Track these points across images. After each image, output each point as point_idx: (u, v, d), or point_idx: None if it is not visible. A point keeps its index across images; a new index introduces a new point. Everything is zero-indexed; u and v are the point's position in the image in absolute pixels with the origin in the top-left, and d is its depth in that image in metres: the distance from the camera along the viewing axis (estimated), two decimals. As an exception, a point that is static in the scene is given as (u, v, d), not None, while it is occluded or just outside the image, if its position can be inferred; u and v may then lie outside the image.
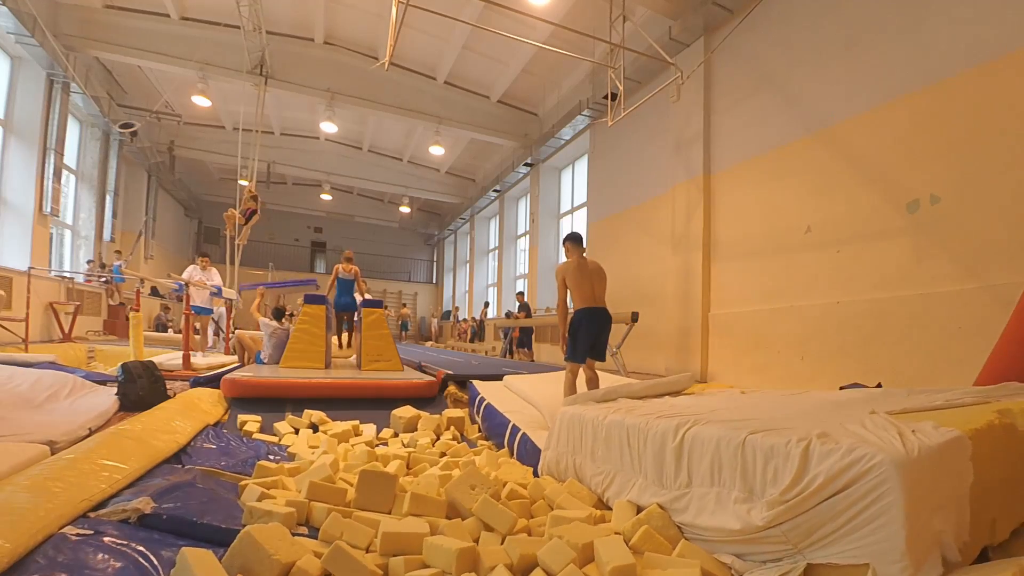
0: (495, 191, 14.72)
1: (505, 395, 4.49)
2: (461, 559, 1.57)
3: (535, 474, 3.02)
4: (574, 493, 2.40)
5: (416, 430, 3.95)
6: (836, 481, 1.48)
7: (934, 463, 1.45)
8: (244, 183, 9.13)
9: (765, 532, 1.62)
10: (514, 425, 3.63)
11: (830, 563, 1.49)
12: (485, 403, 4.21)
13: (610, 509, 2.30)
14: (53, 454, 2.40)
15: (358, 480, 2.19)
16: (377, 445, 3.56)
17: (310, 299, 6.24)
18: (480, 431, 4.21)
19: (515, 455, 3.42)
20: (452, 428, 4.16)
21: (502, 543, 1.82)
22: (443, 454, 3.40)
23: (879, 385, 4.12)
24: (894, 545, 1.35)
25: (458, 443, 3.73)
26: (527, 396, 4.26)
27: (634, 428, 2.32)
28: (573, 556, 1.61)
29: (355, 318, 7.15)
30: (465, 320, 17.07)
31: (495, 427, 3.87)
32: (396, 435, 3.92)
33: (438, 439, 3.83)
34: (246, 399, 4.34)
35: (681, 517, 1.94)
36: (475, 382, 4.92)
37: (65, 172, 9.59)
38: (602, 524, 2.12)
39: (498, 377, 5.20)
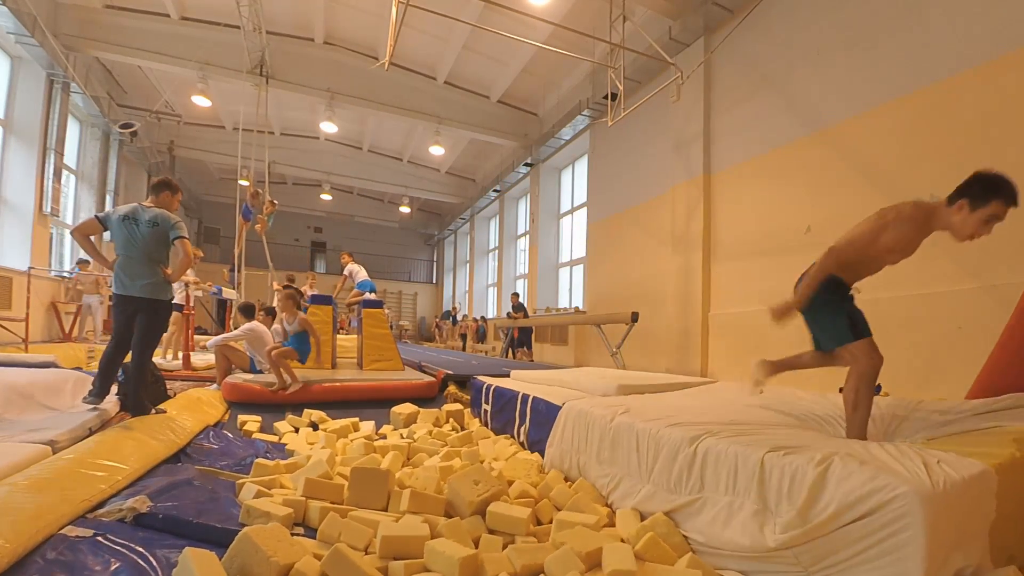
0: (495, 191, 14.72)
1: (512, 381, 4.48)
2: (464, 567, 1.56)
3: (544, 448, 3.04)
4: (583, 497, 2.37)
5: (416, 424, 3.97)
6: (855, 508, 1.43)
7: (959, 497, 1.40)
8: (244, 183, 9.13)
9: (775, 553, 1.59)
10: (524, 393, 3.63)
11: None
12: (494, 388, 4.18)
13: (614, 512, 2.28)
14: (54, 453, 2.40)
15: (351, 477, 2.19)
16: (376, 440, 3.56)
17: (316, 300, 6.27)
18: (483, 421, 4.18)
19: (528, 423, 3.45)
20: (451, 420, 4.16)
21: (504, 548, 1.81)
22: (444, 444, 3.40)
23: (878, 386, 4.10)
24: None
25: (457, 433, 3.74)
26: (539, 379, 4.24)
27: (644, 433, 2.29)
28: (580, 567, 1.60)
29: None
30: (465, 319, 17.04)
31: (504, 402, 3.87)
32: (396, 430, 3.92)
33: (437, 428, 3.85)
34: (247, 403, 4.33)
35: (690, 524, 1.91)
36: (480, 377, 4.83)
37: (65, 172, 9.58)
38: (607, 528, 2.10)
39: (500, 376, 5.17)
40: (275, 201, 8.89)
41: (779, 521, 1.61)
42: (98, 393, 3.24)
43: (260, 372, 4.84)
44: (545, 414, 3.30)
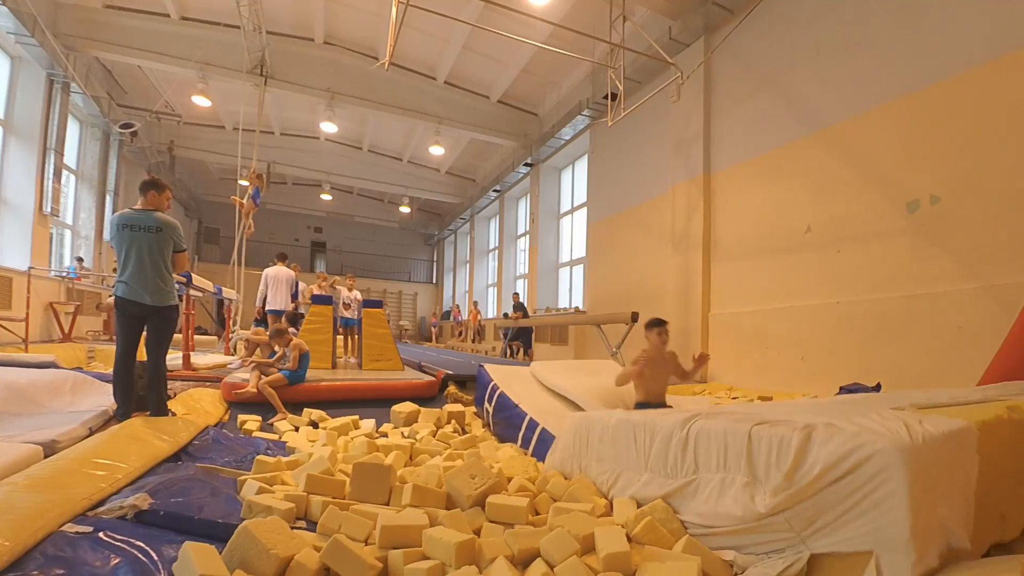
0: (495, 191, 14.73)
1: (522, 385, 4.20)
2: (460, 552, 1.57)
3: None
4: (580, 488, 2.36)
5: (416, 423, 3.96)
6: (838, 467, 1.48)
7: (938, 451, 1.45)
8: (244, 183, 9.11)
9: (768, 520, 1.62)
10: (531, 419, 3.44)
11: (833, 552, 1.49)
12: (499, 392, 3.97)
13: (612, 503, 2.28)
14: (54, 453, 2.40)
15: (352, 472, 2.19)
16: (377, 438, 3.56)
17: (317, 299, 6.27)
18: (486, 424, 4.09)
19: (532, 448, 3.29)
20: (453, 422, 4.14)
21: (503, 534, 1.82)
22: (447, 446, 3.39)
23: (878, 385, 4.12)
24: (899, 532, 1.34)
25: (459, 436, 3.73)
26: (561, 388, 4.00)
27: (640, 425, 2.32)
28: (576, 548, 1.61)
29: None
30: (466, 320, 17.04)
31: (509, 420, 3.67)
32: (396, 429, 3.92)
33: (438, 431, 3.84)
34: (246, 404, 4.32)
35: (687, 506, 1.93)
36: (487, 366, 4.56)
37: (65, 172, 9.59)
38: (604, 517, 2.11)
39: (507, 365, 4.99)
40: (261, 174, 8.88)
41: (768, 487, 1.65)
42: (123, 414, 3.20)
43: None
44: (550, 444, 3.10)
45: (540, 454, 3.17)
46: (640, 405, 3.66)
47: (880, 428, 1.54)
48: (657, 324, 3.73)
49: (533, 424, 3.42)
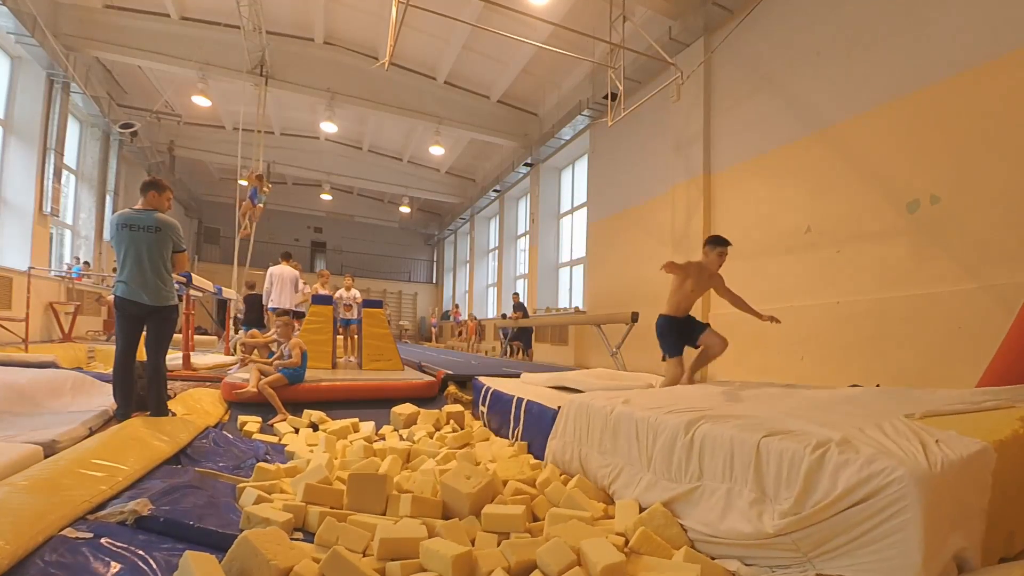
0: (495, 191, 14.72)
1: (513, 384, 4.51)
2: (457, 565, 1.56)
3: (537, 448, 3.07)
4: (578, 492, 2.34)
5: (416, 425, 3.97)
6: (853, 493, 1.43)
7: (957, 477, 1.39)
8: (244, 183, 9.12)
9: (775, 539, 1.58)
10: (518, 398, 3.65)
11: (840, 575, 1.45)
12: (492, 391, 4.21)
13: (614, 503, 2.28)
14: (54, 454, 2.40)
15: (348, 483, 2.18)
16: (375, 441, 3.56)
17: (317, 299, 6.27)
18: (483, 422, 4.21)
19: (522, 425, 3.47)
20: (452, 422, 4.16)
21: (499, 545, 1.81)
22: (443, 445, 3.41)
23: (877, 387, 4.11)
24: (910, 562, 1.30)
25: (456, 434, 3.74)
26: (554, 380, 4.32)
27: (643, 421, 2.27)
28: (572, 557, 1.60)
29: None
30: (465, 320, 17.03)
31: (501, 410, 3.88)
32: (396, 431, 3.92)
33: (437, 431, 3.85)
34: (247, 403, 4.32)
35: (690, 513, 1.90)
36: (481, 378, 4.84)
37: (65, 172, 9.58)
38: (602, 521, 2.10)
39: (501, 377, 5.16)
40: (266, 183, 8.93)
41: (778, 508, 1.61)
42: (123, 414, 3.20)
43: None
44: (538, 416, 3.32)
45: (529, 429, 3.38)
46: (665, 318, 3.84)
47: (896, 449, 1.48)
48: (721, 243, 3.67)
49: (519, 401, 3.62)
